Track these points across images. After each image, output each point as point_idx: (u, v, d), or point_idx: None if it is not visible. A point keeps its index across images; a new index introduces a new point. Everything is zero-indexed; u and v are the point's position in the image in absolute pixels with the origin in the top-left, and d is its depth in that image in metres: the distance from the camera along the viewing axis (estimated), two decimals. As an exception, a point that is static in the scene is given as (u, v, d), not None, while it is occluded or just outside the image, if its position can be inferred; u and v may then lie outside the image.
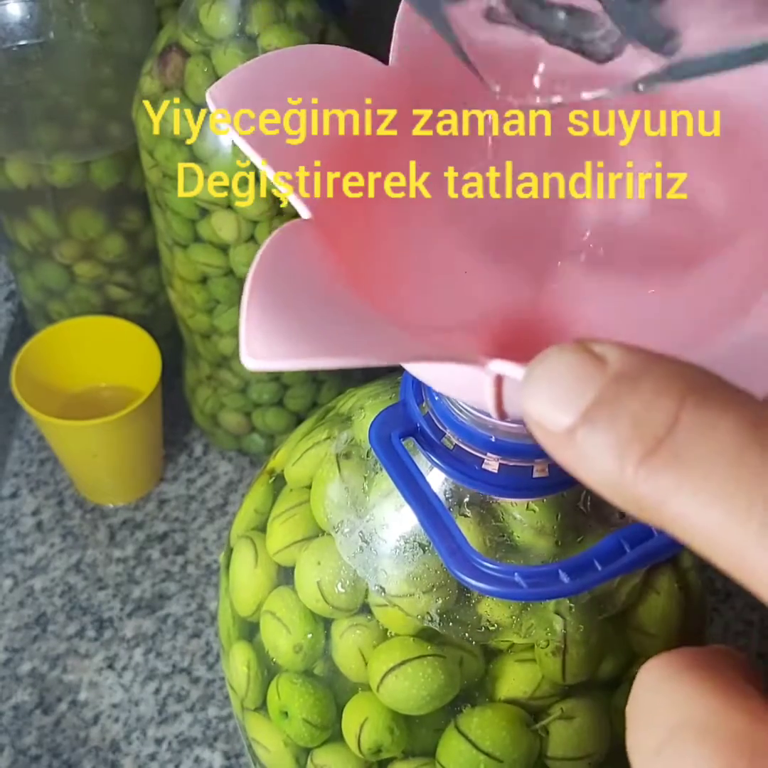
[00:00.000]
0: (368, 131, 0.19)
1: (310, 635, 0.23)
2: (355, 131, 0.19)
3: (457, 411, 0.20)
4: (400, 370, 0.23)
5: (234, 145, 0.37)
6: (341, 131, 0.18)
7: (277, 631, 0.24)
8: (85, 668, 0.44)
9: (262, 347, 0.13)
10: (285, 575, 0.24)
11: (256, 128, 0.17)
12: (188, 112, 0.37)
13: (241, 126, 0.17)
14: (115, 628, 0.45)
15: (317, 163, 0.18)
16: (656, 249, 0.20)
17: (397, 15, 0.19)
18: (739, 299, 0.17)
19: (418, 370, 0.17)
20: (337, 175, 0.18)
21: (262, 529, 0.25)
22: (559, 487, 0.21)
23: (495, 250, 0.21)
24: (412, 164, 0.20)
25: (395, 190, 0.20)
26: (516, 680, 0.22)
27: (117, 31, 0.42)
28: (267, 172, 0.17)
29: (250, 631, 0.26)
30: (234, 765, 0.41)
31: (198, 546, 0.49)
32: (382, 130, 0.19)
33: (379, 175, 0.19)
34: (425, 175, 0.20)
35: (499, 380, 0.15)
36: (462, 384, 0.17)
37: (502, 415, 0.17)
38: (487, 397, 0.16)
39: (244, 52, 0.36)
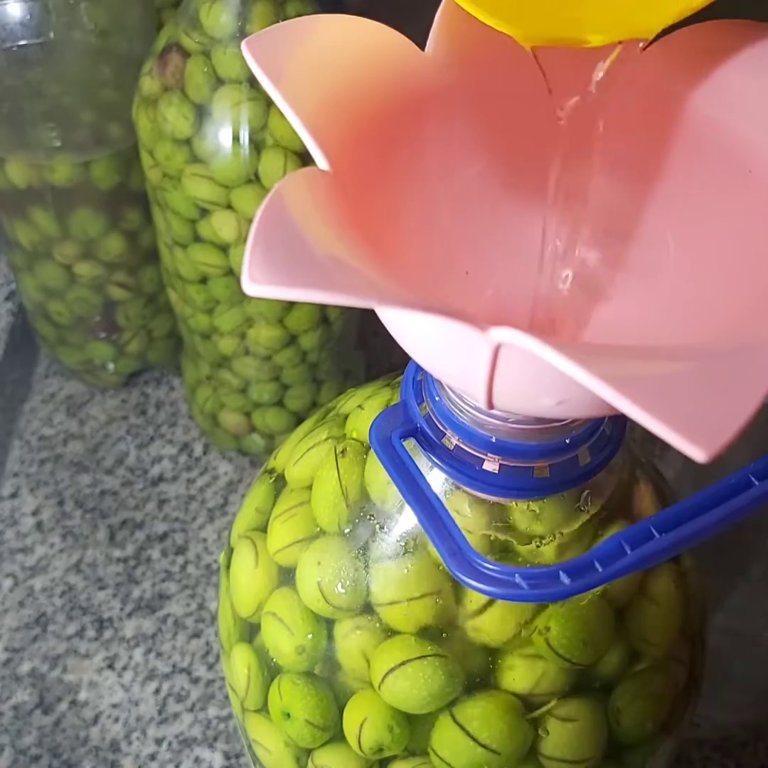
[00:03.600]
0: (394, 108, 0.19)
1: (310, 636, 0.23)
2: (382, 104, 0.19)
3: (457, 412, 0.20)
4: (400, 369, 0.23)
5: (234, 144, 0.37)
6: (368, 99, 0.19)
7: (278, 632, 0.24)
8: (85, 668, 0.44)
9: (262, 274, 0.14)
10: (286, 576, 0.24)
11: (285, 76, 0.18)
12: (188, 112, 0.37)
13: (270, 73, 0.18)
14: (115, 628, 0.45)
15: (341, 122, 0.18)
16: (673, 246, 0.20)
17: (441, 5, 0.20)
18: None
19: (407, 335, 0.17)
20: (358, 135, 0.18)
21: (262, 529, 0.25)
22: (559, 487, 0.21)
23: (509, 243, 0.21)
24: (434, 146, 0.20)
25: (412, 166, 0.20)
26: (517, 675, 0.22)
27: (117, 31, 0.42)
28: (290, 117, 0.17)
29: (250, 632, 0.26)
30: (234, 765, 0.41)
31: (198, 546, 0.49)
32: (407, 111, 0.20)
33: (399, 147, 0.20)
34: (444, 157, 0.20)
35: (495, 354, 0.15)
36: (452, 359, 0.17)
37: (490, 401, 0.16)
38: (479, 374, 0.16)
39: (244, 52, 0.36)
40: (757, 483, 0.19)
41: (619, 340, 0.20)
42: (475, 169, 0.21)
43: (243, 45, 0.18)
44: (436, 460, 0.20)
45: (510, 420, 0.19)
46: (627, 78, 0.20)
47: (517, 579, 0.19)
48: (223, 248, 0.40)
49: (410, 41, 0.20)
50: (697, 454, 0.13)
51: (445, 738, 0.22)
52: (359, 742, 0.23)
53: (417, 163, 0.20)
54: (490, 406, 0.17)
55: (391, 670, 0.22)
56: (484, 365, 0.15)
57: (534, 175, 0.21)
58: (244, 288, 0.14)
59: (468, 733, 0.22)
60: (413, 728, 0.23)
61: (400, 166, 0.20)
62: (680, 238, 0.20)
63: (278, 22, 0.36)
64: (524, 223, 0.21)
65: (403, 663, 0.22)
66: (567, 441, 0.20)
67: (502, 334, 0.14)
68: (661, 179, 0.20)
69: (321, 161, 0.17)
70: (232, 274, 0.41)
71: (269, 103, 0.37)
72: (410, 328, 0.17)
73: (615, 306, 0.21)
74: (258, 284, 0.14)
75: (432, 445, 0.21)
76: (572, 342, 0.14)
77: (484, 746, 0.22)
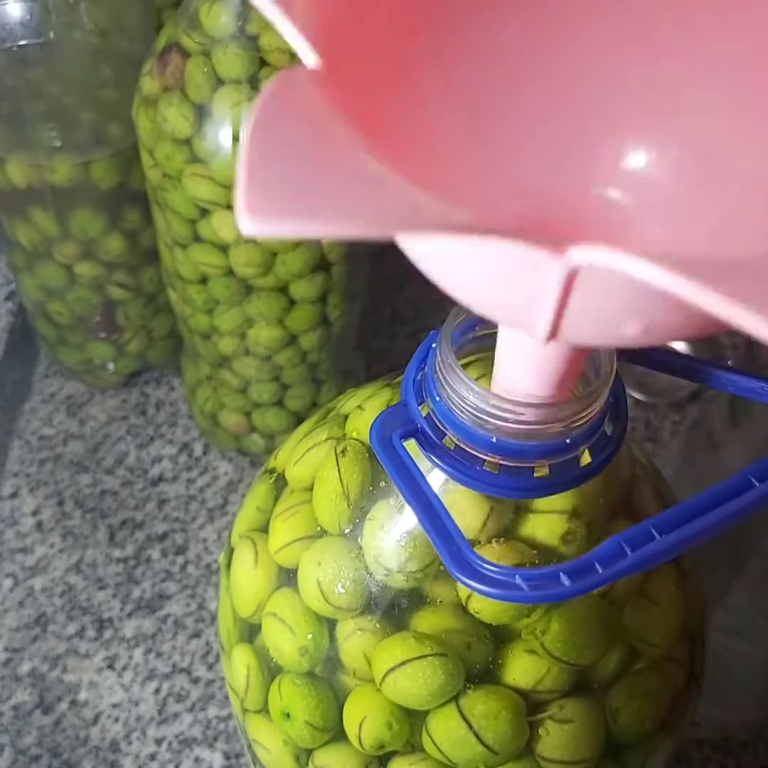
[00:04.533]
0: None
1: (310, 636, 0.23)
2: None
3: (458, 411, 0.20)
4: (400, 369, 0.23)
5: (234, 145, 0.37)
6: None
7: (280, 634, 0.24)
8: (85, 668, 0.44)
9: (263, 204, 0.11)
10: (287, 576, 0.24)
11: None
12: (188, 112, 0.37)
13: None
14: (115, 628, 0.45)
15: (330, 16, 0.15)
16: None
17: None
18: None
19: (441, 264, 0.14)
20: (352, 27, 0.15)
21: (263, 529, 0.25)
22: (560, 487, 0.21)
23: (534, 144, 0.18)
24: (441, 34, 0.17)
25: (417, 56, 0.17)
26: (521, 671, 0.22)
27: (117, 31, 0.42)
28: (273, 17, 0.14)
29: (250, 632, 0.26)
30: (234, 765, 0.41)
31: (198, 546, 0.49)
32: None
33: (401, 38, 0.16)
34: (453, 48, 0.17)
35: (570, 280, 0.12)
36: (504, 288, 0.14)
37: (554, 333, 0.14)
38: (543, 304, 0.13)
39: (244, 52, 0.36)
40: (757, 484, 0.19)
41: (688, 249, 0.17)
42: (500, 61, 0.17)
43: None
44: (436, 460, 0.20)
45: (510, 420, 0.19)
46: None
47: (517, 580, 0.19)
48: (223, 248, 0.40)
49: None
50: None
51: (449, 729, 0.22)
52: (360, 740, 0.23)
53: (431, 55, 0.17)
54: (553, 338, 0.14)
55: (391, 669, 0.22)
56: (553, 293, 0.13)
57: (570, 61, 0.18)
58: (241, 227, 0.11)
59: (471, 728, 0.22)
60: (414, 723, 0.23)
61: (410, 61, 0.17)
62: (743, 135, 0.17)
63: (278, 22, 0.36)
64: (563, 121, 0.18)
65: (402, 663, 0.22)
66: (567, 441, 0.20)
67: (584, 254, 0.12)
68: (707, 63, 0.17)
69: (309, 55, 0.14)
70: (232, 274, 0.41)
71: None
72: (448, 256, 0.14)
73: (672, 214, 0.18)
74: (258, 216, 0.11)
75: (432, 446, 0.21)
76: (663, 254, 0.11)
77: (485, 745, 0.22)
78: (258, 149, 0.11)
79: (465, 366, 0.21)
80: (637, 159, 0.18)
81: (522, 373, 0.19)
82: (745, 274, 0.12)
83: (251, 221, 0.11)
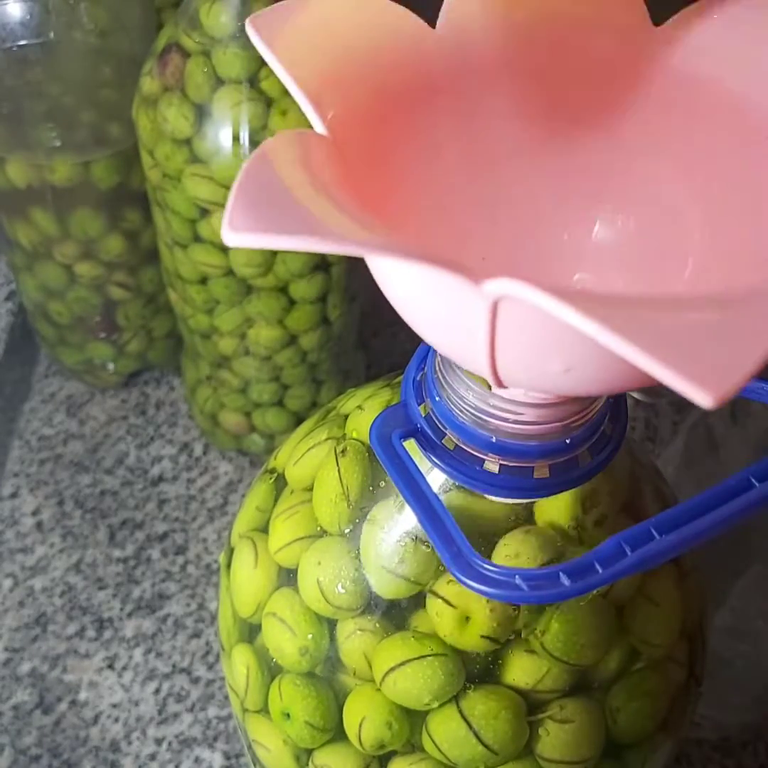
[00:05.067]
0: (403, 86, 0.19)
1: (310, 636, 0.23)
2: (390, 81, 0.19)
3: (458, 411, 0.20)
4: (400, 369, 0.23)
5: (234, 145, 0.37)
6: (374, 75, 0.18)
7: (281, 634, 0.24)
8: (85, 668, 0.44)
9: (243, 221, 0.14)
10: (287, 576, 0.24)
11: (287, 48, 0.17)
12: (188, 112, 0.37)
13: (271, 43, 0.17)
14: (115, 628, 0.45)
15: (344, 93, 0.18)
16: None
17: None
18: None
19: (404, 300, 0.16)
20: (363, 109, 0.18)
21: (263, 529, 0.25)
22: (560, 487, 0.21)
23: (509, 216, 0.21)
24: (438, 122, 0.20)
25: (417, 143, 0.19)
26: (521, 671, 0.22)
27: (117, 31, 0.42)
28: (287, 82, 0.17)
29: (250, 632, 0.26)
30: (234, 765, 0.41)
31: (198, 546, 0.49)
32: (413, 87, 0.19)
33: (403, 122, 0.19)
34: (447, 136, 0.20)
35: (494, 312, 0.14)
36: (451, 325, 0.15)
37: (495, 371, 0.15)
38: (480, 339, 0.14)
39: (244, 52, 0.36)
40: (757, 484, 0.19)
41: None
42: (491, 146, 0.20)
43: (247, 23, 0.17)
44: (436, 460, 0.20)
45: (510, 420, 0.19)
46: (642, 57, 0.20)
47: (517, 580, 0.18)
48: (223, 248, 0.40)
49: (419, 19, 0.19)
50: (704, 399, 0.12)
51: (449, 730, 0.22)
52: (360, 740, 0.23)
53: (427, 140, 0.20)
54: (498, 380, 0.16)
55: (391, 669, 0.22)
56: (484, 326, 0.14)
57: (551, 151, 0.21)
58: (224, 238, 0.14)
59: (471, 728, 0.22)
60: (414, 722, 0.23)
61: (409, 142, 0.19)
62: (697, 201, 0.20)
63: (278, 22, 0.36)
64: (543, 203, 0.21)
65: (402, 663, 0.22)
66: (567, 441, 0.20)
67: (498, 285, 0.13)
68: (676, 144, 0.20)
69: (318, 125, 0.17)
70: (232, 274, 0.41)
71: (269, 103, 0.37)
72: (407, 292, 0.16)
73: (633, 273, 0.21)
74: (238, 232, 0.13)
75: (432, 446, 0.21)
76: (573, 289, 0.13)
77: (485, 745, 0.22)
78: (247, 183, 0.14)
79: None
80: (599, 229, 0.21)
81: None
82: (655, 319, 0.13)
83: (231, 236, 0.14)
